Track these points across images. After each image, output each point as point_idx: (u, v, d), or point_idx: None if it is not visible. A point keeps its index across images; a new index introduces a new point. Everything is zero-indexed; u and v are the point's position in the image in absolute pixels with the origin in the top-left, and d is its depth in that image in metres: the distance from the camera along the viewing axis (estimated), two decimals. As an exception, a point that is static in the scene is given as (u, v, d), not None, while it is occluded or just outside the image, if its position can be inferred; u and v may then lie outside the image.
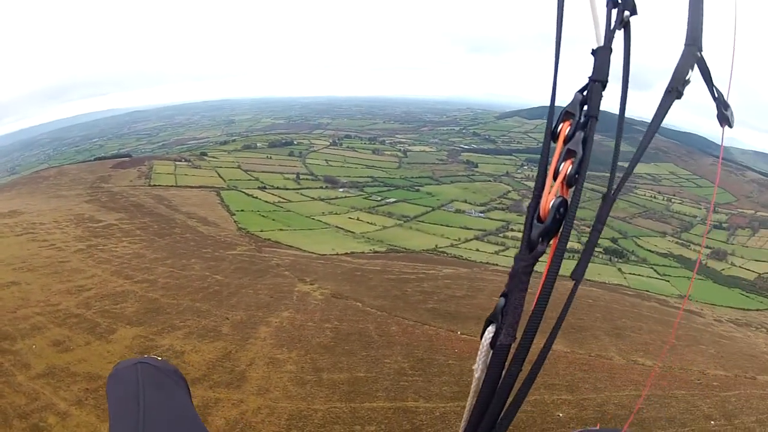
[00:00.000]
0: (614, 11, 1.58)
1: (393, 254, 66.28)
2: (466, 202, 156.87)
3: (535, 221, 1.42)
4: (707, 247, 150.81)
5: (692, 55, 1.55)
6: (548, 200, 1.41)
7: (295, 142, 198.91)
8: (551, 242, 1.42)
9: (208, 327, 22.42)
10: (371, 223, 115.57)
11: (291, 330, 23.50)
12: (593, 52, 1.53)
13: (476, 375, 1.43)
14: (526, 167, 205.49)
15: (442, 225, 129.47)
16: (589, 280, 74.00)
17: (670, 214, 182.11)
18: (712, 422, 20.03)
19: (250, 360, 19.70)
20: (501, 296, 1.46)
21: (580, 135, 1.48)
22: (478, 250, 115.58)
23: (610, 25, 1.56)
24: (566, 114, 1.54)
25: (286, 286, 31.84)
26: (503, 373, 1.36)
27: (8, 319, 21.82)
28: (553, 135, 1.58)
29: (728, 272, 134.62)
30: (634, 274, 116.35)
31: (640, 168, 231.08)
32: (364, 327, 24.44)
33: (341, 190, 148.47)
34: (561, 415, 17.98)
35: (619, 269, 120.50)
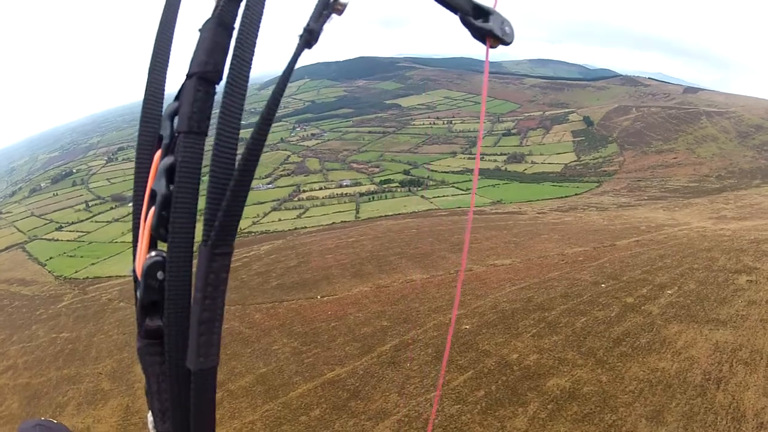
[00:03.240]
0: None
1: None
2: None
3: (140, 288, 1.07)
4: (503, 153, 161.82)
5: None
6: (141, 259, 1.07)
7: (75, 171, 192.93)
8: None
9: (90, 390, 21.56)
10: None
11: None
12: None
13: None
14: (299, 128, 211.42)
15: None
16: (400, 213, 78.23)
17: (454, 135, 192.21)
18: (603, 285, 23.26)
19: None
20: None
21: (166, 163, 1.06)
22: (280, 219, 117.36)
23: None
24: (160, 138, 1.12)
25: (130, 317, 30.77)
26: None
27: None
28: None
29: (532, 171, 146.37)
30: (438, 196, 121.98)
31: (411, 101, 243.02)
32: (232, 327, 24.67)
33: (130, 204, 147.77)
34: (468, 327, 19.93)
35: (422, 196, 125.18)
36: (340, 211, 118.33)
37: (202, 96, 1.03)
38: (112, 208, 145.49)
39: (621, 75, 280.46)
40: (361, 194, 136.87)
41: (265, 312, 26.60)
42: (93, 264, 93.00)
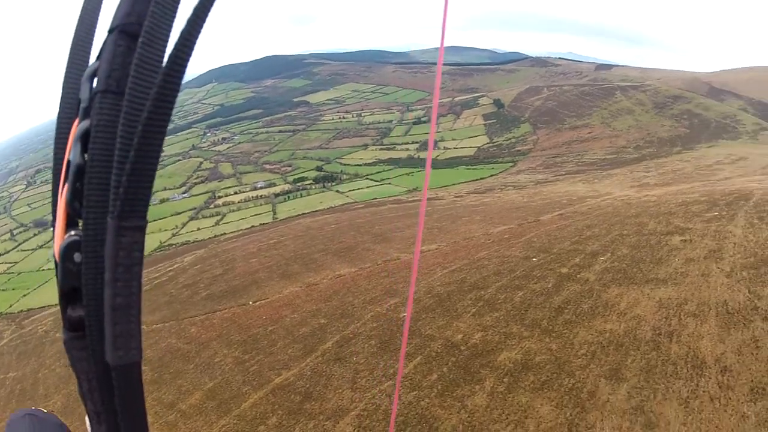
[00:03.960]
0: None
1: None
2: (165, 189, 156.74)
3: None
4: (414, 142, 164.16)
5: None
6: (58, 240, 0.95)
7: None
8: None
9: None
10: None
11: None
12: None
13: None
14: (209, 134, 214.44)
15: (154, 220, 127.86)
16: (317, 210, 77.89)
17: (364, 127, 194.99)
18: (534, 259, 22.95)
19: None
20: None
21: (82, 128, 0.91)
22: (199, 228, 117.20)
23: None
24: (79, 103, 0.97)
25: (65, 347, 30.73)
26: None
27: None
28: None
29: (445, 156, 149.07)
30: (353, 189, 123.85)
31: (319, 97, 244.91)
32: (169, 344, 24.14)
33: (52, 229, 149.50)
34: (403, 315, 19.41)
35: (337, 191, 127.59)
36: (257, 214, 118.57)
37: (123, 51, 0.88)
38: (35, 235, 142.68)
39: (531, 57, 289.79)
40: (276, 195, 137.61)
41: (200, 324, 25.86)
42: (25, 296, 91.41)
